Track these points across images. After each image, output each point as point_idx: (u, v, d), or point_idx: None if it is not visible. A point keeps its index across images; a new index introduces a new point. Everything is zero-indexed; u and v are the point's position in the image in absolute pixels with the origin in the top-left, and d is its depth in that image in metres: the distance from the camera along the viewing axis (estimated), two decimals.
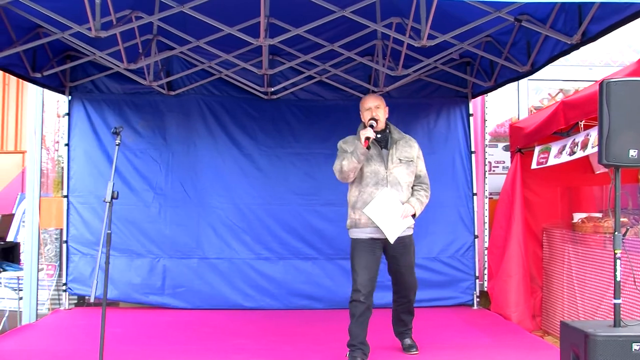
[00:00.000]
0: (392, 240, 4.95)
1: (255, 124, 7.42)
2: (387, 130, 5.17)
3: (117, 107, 7.31)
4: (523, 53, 6.00)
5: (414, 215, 5.07)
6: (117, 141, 4.81)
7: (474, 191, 7.44)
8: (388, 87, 7.01)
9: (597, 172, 6.33)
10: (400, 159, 5.08)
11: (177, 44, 6.30)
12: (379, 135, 5.08)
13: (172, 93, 7.37)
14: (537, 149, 6.46)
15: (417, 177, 5.20)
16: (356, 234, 5.07)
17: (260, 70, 6.31)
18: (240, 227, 7.31)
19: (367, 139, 4.87)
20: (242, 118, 7.41)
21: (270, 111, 7.45)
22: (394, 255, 5.10)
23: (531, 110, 8.12)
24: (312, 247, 7.34)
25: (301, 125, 7.45)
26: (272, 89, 7.27)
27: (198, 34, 5.92)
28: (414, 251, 5.21)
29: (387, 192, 4.98)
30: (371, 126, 4.97)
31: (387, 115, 5.17)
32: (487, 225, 7.47)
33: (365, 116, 5.11)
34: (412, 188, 5.16)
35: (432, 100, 7.56)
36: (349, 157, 4.96)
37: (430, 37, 5.12)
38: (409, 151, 5.14)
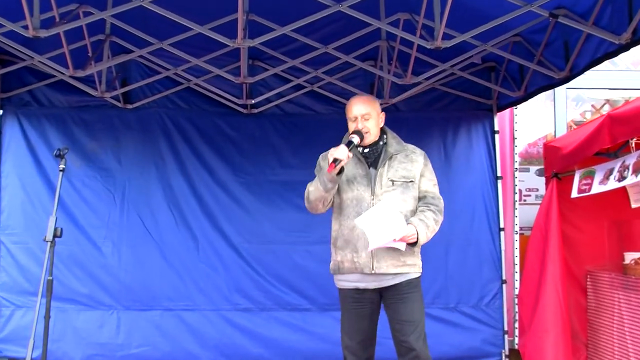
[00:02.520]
0: (370, 247, 4.55)
1: (231, 145, 7.42)
2: (382, 142, 4.89)
3: (61, 124, 7.28)
4: (560, 55, 6.01)
5: (415, 244, 4.66)
6: (61, 166, 4.79)
7: (501, 226, 7.44)
8: (394, 99, 7.00)
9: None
10: (393, 180, 4.75)
11: (136, 46, 6.29)
12: (366, 150, 4.83)
13: (130, 106, 7.36)
14: (577, 174, 6.44)
15: (421, 198, 4.85)
16: (339, 282, 4.89)
17: (238, 79, 6.29)
18: (214, 270, 7.28)
19: (336, 161, 4.50)
20: (216, 137, 7.42)
21: (250, 129, 7.46)
22: (390, 304, 4.77)
23: (570, 126, 8.15)
24: (303, 296, 7.32)
25: (288, 146, 7.46)
26: (253, 101, 7.26)
27: (161, 33, 5.92)
28: (420, 300, 4.81)
29: (388, 204, 4.62)
30: (349, 143, 4.65)
31: (382, 124, 4.93)
32: (517, 268, 7.44)
33: (351, 128, 4.83)
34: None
35: (449, 114, 7.57)
36: (316, 180, 4.78)
37: (446, 36, 5.12)
38: (408, 168, 4.81)
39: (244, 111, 7.43)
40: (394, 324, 4.76)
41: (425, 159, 4.93)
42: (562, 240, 6.74)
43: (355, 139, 4.69)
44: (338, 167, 4.52)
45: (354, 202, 4.73)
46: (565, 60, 5.93)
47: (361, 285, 4.75)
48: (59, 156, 4.82)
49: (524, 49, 6.39)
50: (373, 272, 4.68)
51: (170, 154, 7.37)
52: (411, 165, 4.82)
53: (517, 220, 7.55)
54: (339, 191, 4.81)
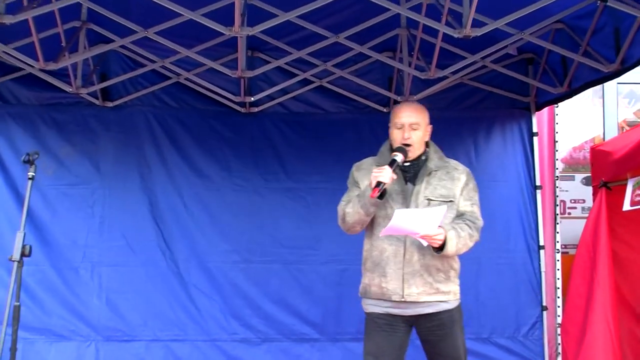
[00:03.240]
0: (391, 222, 4.64)
1: (227, 149, 7.45)
2: (423, 157, 5.03)
3: (30, 125, 7.30)
4: (609, 45, 5.99)
5: (441, 248, 4.74)
6: (30, 173, 4.79)
7: (541, 243, 7.43)
8: (416, 96, 6.98)
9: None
10: (430, 199, 4.89)
11: (116, 35, 6.28)
12: (407, 164, 4.93)
13: (110, 104, 7.38)
14: (630, 183, 6.42)
15: (459, 215, 4.98)
16: (367, 306, 5.02)
17: (235, 72, 6.27)
18: (207, 294, 7.30)
19: (379, 184, 4.65)
20: (209, 140, 7.44)
21: (250, 130, 7.48)
22: (428, 339, 4.96)
23: (622, 127, 8.12)
24: (310, 324, 7.33)
25: (293, 150, 7.48)
26: (252, 99, 7.23)
27: (146, 20, 5.91)
28: (462, 333, 5.00)
29: (443, 210, 4.70)
30: (392, 162, 4.77)
31: (427, 138, 5.07)
32: (559, 293, 7.42)
33: (395, 136, 4.98)
34: None
35: (480, 113, 7.58)
36: (355, 202, 4.88)
37: (477, 23, 5.11)
38: (448, 186, 4.96)
39: (242, 110, 7.45)
40: (435, 358, 5.01)
41: (468, 177, 5.09)
42: (613, 260, 6.69)
43: (399, 157, 4.81)
44: (381, 191, 4.66)
45: (386, 221, 4.79)
46: (616, 50, 5.91)
47: (394, 311, 4.89)
48: (28, 162, 4.83)
49: (568, 37, 6.38)
50: (403, 299, 4.84)
51: (157, 159, 7.39)
52: (451, 184, 4.98)
53: (558, 237, 7.52)
54: None
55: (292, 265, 7.35)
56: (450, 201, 4.92)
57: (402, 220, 4.65)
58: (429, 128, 5.08)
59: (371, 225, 4.97)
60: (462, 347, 4.97)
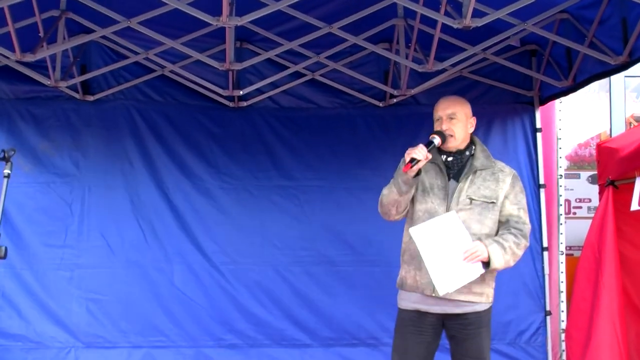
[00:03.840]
0: (440, 292, 4.83)
1: (215, 145, 7.45)
2: (469, 152, 5.15)
3: (6, 119, 7.29)
4: (616, 36, 5.99)
5: (487, 264, 4.88)
6: (6, 171, 4.79)
7: (544, 244, 7.45)
8: (414, 89, 6.97)
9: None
10: (472, 199, 5.00)
11: (98, 25, 6.27)
12: (450, 159, 5.08)
13: (91, 98, 7.38)
14: (639, 181, 6.42)
15: (503, 223, 5.09)
16: (401, 300, 5.14)
17: (223, 65, 6.26)
18: (192, 297, 7.30)
19: (413, 161, 4.76)
20: (196, 135, 7.45)
21: (238, 125, 7.48)
22: (454, 336, 5.10)
23: (630, 123, 8.12)
24: (302, 329, 7.33)
25: (284, 146, 7.49)
26: (241, 92, 7.23)
27: (129, 9, 5.89)
28: (488, 337, 5.14)
29: (453, 216, 4.89)
30: (429, 143, 4.91)
31: (471, 129, 5.19)
32: (563, 297, 7.42)
33: (435, 129, 5.13)
34: None
35: (480, 108, 7.42)
36: (391, 182, 5.01)
37: (477, 13, 5.10)
38: (492, 187, 5.05)
39: (230, 104, 7.45)
40: (459, 358, 5.13)
41: (515, 179, 5.17)
42: (620, 262, 6.70)
43: (437, 140, 4.97)
44: (415, 168, 4.79)
45: (425, 215, 5.01)
46: (624, 42, 5.90)
47: (422, 307, 5.02)
48: (4, 159, 4.81)
49: (573, 28, 6.38)
50: (434, 294, 4.93)
51: (141, 156, 7.39)
52: (496, 185, 5.08)
53: (562, 238, 7.53)
54: (413, 200, 5.09)
55: (283, 267, 7.35)
56: (492, 202, 5.03)
57: (425, 238, 4.80)
58: (472, 120, 5.20)
59: (411, 217, 5.09)
60: (487, 351, 5.10)
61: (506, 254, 4.90)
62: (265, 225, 7.38)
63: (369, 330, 7.27)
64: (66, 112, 7.35)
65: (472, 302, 4.98)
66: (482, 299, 5.05)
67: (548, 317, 7.39)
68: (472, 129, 5.17)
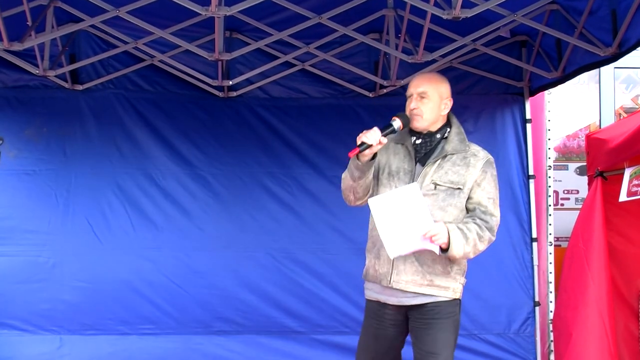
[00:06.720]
0: (390, 255, 4.55)
1: (205, 132, 7.45)
2: (441, 135, 4.83)
3: None
4: (606, 28, 5.98)
5: (446, 250, 4.54)
6: None
7: (533, 235, 7.45)
8: (403, 80, 6.94)
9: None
10: (437, 184, 4.69)
11: (87, 14, 6.23)
12: (418, 141, 4.79)
13: (80, 87, 7.36)
14: (627, 172, 6.41)
15: (470, 211, 4.76)
16: (365, 290, 4.99)
17: (212, 55, 6.26)
18: (180, 284, 7.28)
19: (362, 145, 4.49)
20: (186, 124, 7.45)
21: (229, 115, 7.49)
22: (414, 328, 4.78)
23: (619, 114, 8.13)
24: (292, 316, 7.33)
25: (274, 136, 7.48)
26: (230, 83, 7.23)
27: None
28: (449, 331, 4.74)
29: (415, 188, 4.57)
30: (386, 126, 4.60)
31: (445, 111, 4.84)
32: (552, 287, 7.42)
33: (406, 108, 4.79)
34: None
35: (470, 99, 7.57)
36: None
37: (467, 4, 5.08)
38: (461, 172, 4.71)
39: (220, 94, 7.44)
40: (416, 352, 4.80)
41: (487, 165, 4.81)
42: (608, 253, 6.70)
43: (396, 123, 4.66)
44: (369, 153, 4.53)
45: None
46: (613, 33, 5.89)
47: (382, 298, 4.82)
48: None
49: (563, 19, 6.38)
50: (390, 285, 4.73)
51: (129, 144, 7.38)
52: (465, 170, 4.73)
53: (551, 229, 7.53)
54: (378, 185, 4.84)
55: (273, 253, 7.34)
56: (458, 188, 4.70)
57: (383, 209, 4.56)
58: (447, 101, 4.85)
59: None
60: (443, 344, 4.69)
61: (467, 244, 4.57)
62: (255, 211, 7.37)
63: (359, 318, 7.22)
64: (55, 101, 7.33)
65: (433, 294, 4.68)
66: (448, 293, 4.72)
67: (537, 308, 7.39)
68: (446, 110, 4.82)
